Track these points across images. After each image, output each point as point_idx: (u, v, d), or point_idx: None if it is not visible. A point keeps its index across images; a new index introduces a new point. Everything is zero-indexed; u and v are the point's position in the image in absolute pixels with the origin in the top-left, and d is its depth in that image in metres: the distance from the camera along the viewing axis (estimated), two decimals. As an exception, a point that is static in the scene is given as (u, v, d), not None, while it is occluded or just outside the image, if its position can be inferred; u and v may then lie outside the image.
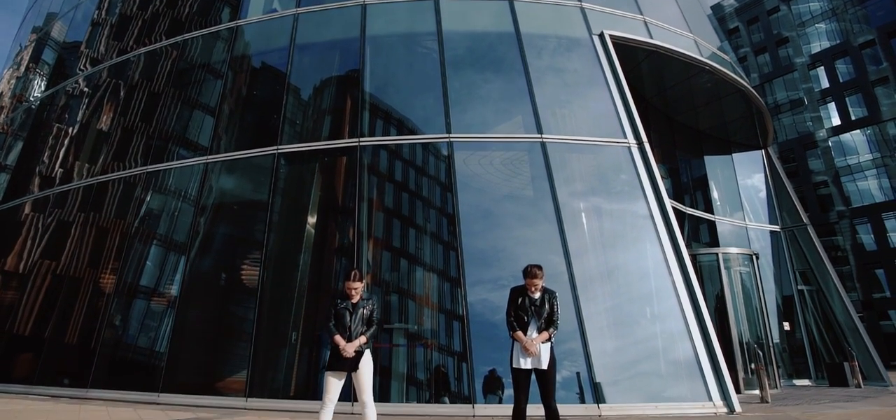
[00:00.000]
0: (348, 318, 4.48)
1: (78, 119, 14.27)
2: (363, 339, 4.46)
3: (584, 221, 8.92)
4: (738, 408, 6.93)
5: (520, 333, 4.27)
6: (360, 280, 4.65)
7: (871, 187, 36.95)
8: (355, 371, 4.38)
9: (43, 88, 16.77)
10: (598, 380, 7.07)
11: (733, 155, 16.10)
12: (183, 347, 9.25)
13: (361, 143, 9.56)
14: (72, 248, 11.61)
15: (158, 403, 8.34)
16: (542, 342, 4.22)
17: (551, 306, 4.35)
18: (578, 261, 8.19)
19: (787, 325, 13.30)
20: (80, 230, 11.73)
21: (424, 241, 9.08)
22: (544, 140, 9.24)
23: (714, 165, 15.65)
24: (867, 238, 36.64)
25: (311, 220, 9.76)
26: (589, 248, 8.62)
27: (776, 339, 12.80)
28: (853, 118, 37.41)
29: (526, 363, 4.21)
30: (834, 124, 38.45)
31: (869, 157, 36.92)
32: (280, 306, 9.01)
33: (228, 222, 10.33)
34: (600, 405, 6.84)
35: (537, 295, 4.40)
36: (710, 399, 7.08)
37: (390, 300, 8.71)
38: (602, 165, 9.54)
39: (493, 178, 9.32)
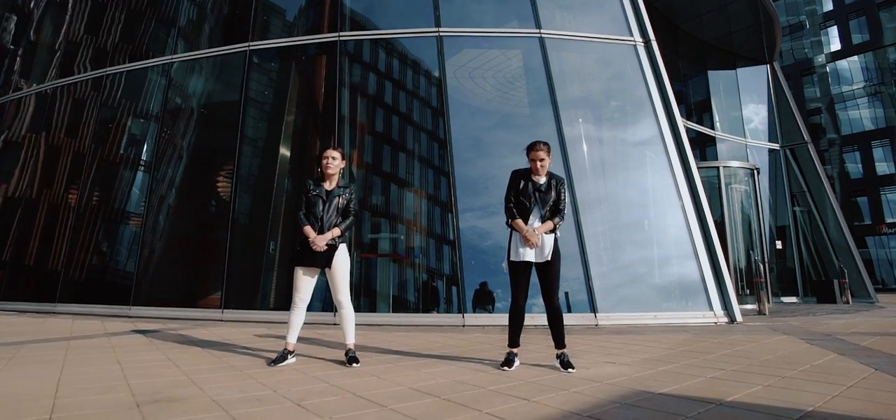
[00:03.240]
0: (321, 207, 3.85)
1: (25, 25, 12.92)
2: (336, 231, 3.84)
3: (585, 128, 8.26)
4: (739, 317, 6.64)
5: (519, 221, 3.65)
6: (342, 156, 4.01)
7: (862, 116, 36.66)
8: (328, 267, 3.81)
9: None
10: (596, 292, 6.69)
11: (737, 70, 15.35)
12: (153, 261, 8.69)
13: (342, 38, 8.63)
14: (27, 167, 10.75)
15: (129, 316, 7.86)
16: (546, 232, 3.64)
17: (558, 193, 3.73)
18: (578, 166, 7.62)
19: (779, 244, 13.13)
20: (41, 144, 10.80)
21: (411, 134, 8.39)
22: (543, 35, 8.40)
23: (717, 80, 14.92)
24: (853, 167, 36.73)
25: (288, 126, 8.97)
26: (589, 156, 8.02)
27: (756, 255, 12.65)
28: (855, 43, 36.44)
29: (526, 255, 3.61)
30: (833, 49, 37.49)
31: (862, 85, 36.37)
32: (256, 217, 8.40)
33: (197, 130, 9.48)
34: (598, 314, 6.49)
35: (542, 179, 3.71)
36: (711, 309, 6.77)
37: (376, 220, 8.14)
38: (605, 66, 8.77)
39: (488, 79, 8.51)
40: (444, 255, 7.55)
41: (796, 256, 13.54)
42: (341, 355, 3.91)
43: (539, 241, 3.59)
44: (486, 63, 8.56)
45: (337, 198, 3.91)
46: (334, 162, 3.95)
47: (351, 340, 3.84)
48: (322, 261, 3.79)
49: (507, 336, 3.71)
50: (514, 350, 3.64)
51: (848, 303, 11.28)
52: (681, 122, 7.97)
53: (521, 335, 3.74)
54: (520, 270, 3.65)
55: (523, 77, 8.64)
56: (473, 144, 8.02)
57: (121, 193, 9.52)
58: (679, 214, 7.37)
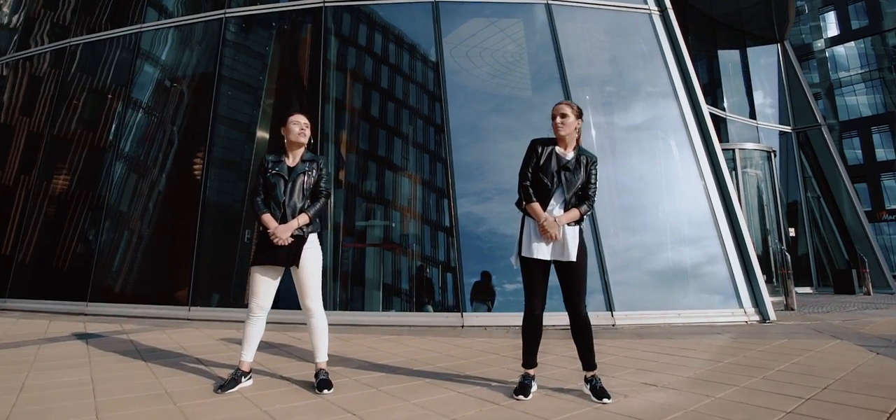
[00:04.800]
0: (282, 189, 3.01)
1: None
2: (304, 218, 3.00)
3: (594, 106, 7.42)
4: (773, 316, 5.89)
5: (537, 205, 2.80)
6: (308, 124, 3.16)
7: (859, 103, 36.19)
8: (295, 266, 2.99)
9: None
10: (612, 287, 5.91)
11: (748, 49, 14.55)
12: (114, 251, 7.81)
13: (327, 4, 7.72)
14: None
15: (85, 314, 6.99)
16: (570, 223, 2.77)
17: (588, 175, 2.88)
18: (588, 148, 6.78)
19: (792, 231, 12.43)
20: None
21: (406, 118, 7.53)
22: (550, 1, 7.52)
23: (726, 59, 14.13)
24: (851, 153, 36.24)
25: (266, 102, 8.08)
26: (599, 137, 7.20)
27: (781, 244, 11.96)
28: (853, 28, 35.82)
29: (540, 252, 2.76)
30: (831, 35, 36.89)
31: (859, 71, 35.89)
32: (229, 203, 7.54)
33: (165, 107, 8.54)
34: (614, 313, 5.72)
35: (570, 154, 2.86)
36: (741, 306, 6.01)
37: (365, 207, 7.30)
38: (617, 37, 7.92)
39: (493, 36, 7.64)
40: (440, 243, 6.75)
41: (810, 244, 12.86)
42: (311, 373, 3.09)
43: (559, 233, 2.74)
44: (487, 28, 7.69)
45: (302, 175, 3.06)
46: (307, 130, 3.11)
47: (323, 358, 3.04)
48: (286, 258, 2.96)
49: (512, 341, 2.90)
50: (531, 372, 2.83)
51: (868, 294, 10.61)
52: (703, 99, 7.17)
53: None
54: (535, 269, 2.79)
55: (527, 49, 7.78)
56: (470, 129, 7.16)
57: (80, 177, 8.59)
58: (703, 201, 6.59)
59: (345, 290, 6.82)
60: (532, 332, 2.82)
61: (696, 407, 2.53)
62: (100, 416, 2.37)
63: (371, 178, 7.49)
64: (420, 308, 6.44)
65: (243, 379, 2.96)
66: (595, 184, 2.91)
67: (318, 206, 3.08)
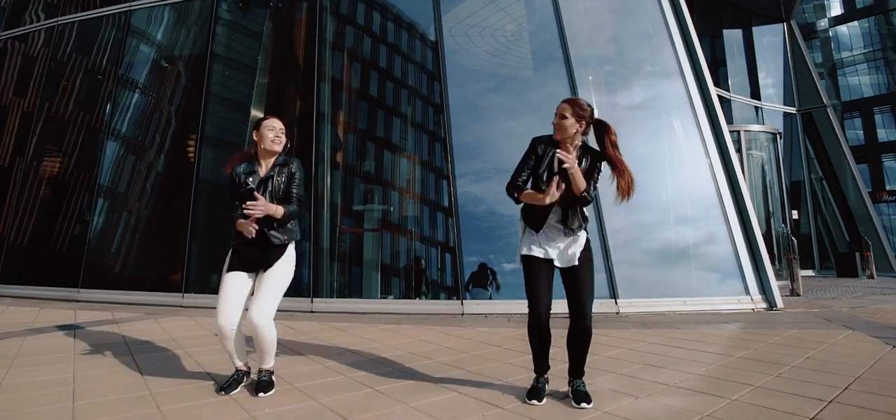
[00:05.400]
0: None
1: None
2: (279, 209, 2.68)
3: (597, 85, 7.19)
4: (780, 303, 5.75)
5: (530, 191, 2.59)
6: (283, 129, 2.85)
7: (861, 83, 35.82)
8: (265, 268, 2.73)
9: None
10: (616, 274, 5.76)
11: (753, 28, 14.20)
12: (107, 235, 7.64)
13: (322, -19, 7.42)
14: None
15: (77, 300, 6.85)
16: (574, 169, 2.49)
17: (591, 173, 2.63)
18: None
19: (795, 214, 12.27)
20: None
21: (404, 97, 7.31)
22: (554, -25, 7.24)
23: (731, 39, 13.80)
24: (852, 133, 35.94)
25: (261, 80, 7.84)
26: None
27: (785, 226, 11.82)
28: (858, 7, 35.26)
29: (541, 250, 2.57)
30: (835, 15, 36.34)
31: (862, 51, 35.42)
32: (223, 185, 7.33)
33: (156, 88, 8.29)
34: (619, 301, 5.57)
35: (572, 155, 2.51)
36: (748, 293, 5.87)
37: (362, 190, 7.12)
38: (620, 13, 7.65)
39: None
40: (439, 224, 6.58)
41: (813, 226, 12.71)
42: (306, 371, 2.93)
43: (574, 161, 2.47)
44: (487, 7, 7.41)
45: (273, 178, 2.76)
46: (282, 136, 2.82)
47: (268, 365, 2.78)
48: (257, 260, 2.73)
49: (513, 331, 2.76)
50: (543, 375, 2.67)
51: (872, 277, 10.50)
52: (709, 78, 6.94)
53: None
54: (537, 267, 2.58)
55: (527, 28, 7.51)
56: (469, 109, 6.93)
57: (73, 159, 8.37)
58: (709, 184, 6.40)
59: (342, 275, 6.67)
60: (539, 341, 2.61)
61: (712, 411, 2.38)
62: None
63: (369, 158, 7.29)
64: (419, 294, 6.30)
65: (245, 378, 2.80)
66: (596, 184, 2.69)
67: (290, 209, 2.75)
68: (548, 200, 2.45)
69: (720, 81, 12.97)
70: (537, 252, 2.59)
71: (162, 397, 2.62)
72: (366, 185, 7.16)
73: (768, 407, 2.43)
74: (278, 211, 2.69)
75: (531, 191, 2.61)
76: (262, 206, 2.61)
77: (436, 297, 6.29)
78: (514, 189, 2.64)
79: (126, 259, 7.48)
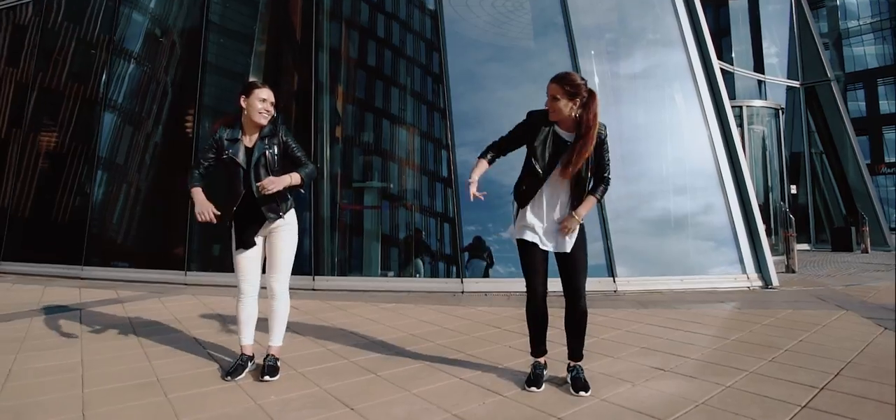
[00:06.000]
0: (242, 176, 2.73)
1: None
2: (296, 177, 2.71)
3: (597, 56, 7.09)
4: (775, 281, 5.83)
5: (482, 163, 2.70)
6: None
7: (866, 53, 35.29)
8: (268, 233, 2.80)
9: None
10: (615, 252, 5.81)
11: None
12: (108, 211, 7.66)
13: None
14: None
15: (80, 278, 6.91)
16: (581, 214, 2.53)
17: (599, 154, 2.52)
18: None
19: (793, 188, 12.29)
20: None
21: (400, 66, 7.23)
22: (556, -53, 7.06)
23: (737, 7, 13.57)
24: (854, 105, 35.63)
25: (258, 48, 7.71)
26: (602, 91, 6.91)
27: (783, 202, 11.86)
28: (870, -27, 34.48)
29: (534, 235, 2.55)
30: (845, -20, 35.52)
31: (869, 20, 34.77)
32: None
33: (152, 61, 8.18)
34: (617, 279, 5.64)
35: (573, 136, 2.48)
36: (744, 271, 5.94)
37: (362, 164, 7.10)
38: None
39: None
40: (438, 194, 6.60)
41: (810, 200, 12.75)
42: (311, 354, 2.99)
43: (575, 227, 2.54)
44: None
45: (264, 152, 2.73)
46: (271, 109, 2.78)
47: (276, 342, 2.84)
48: (263, 212, 2.74)
49: (513, 310, 2.78)
50: (541, 360, 2.72)
51: (866, 251, 10.60)
52: (712, 48, 6.84)
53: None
54: (531, 251, 2.57)
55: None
56: (469, 78, 6.86)
57: (70, 130, 8.32)
58: (709, 161, 6.40)
59: (343, 249, 6.72)
60: (537, 321, 2.66)
61: (707, 398, 2.45)
62: (86, 413, 2.27)
63: (368, 128, 7.26)
64: (418, 271, 6.36)
65: (249, 363, 2.85)
66: (608, 162, 2.61)
67: (307, 169, 2.79)
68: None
69: (723, 52, 12.81)
70: (530, 237, 2.57)
71: (169, 383, 2.68)
72: (365, 155, 7.14)
73: (762, 394, 2.49)
74: (296, 179, 2.72)
75: (478, 168, 2.69)
76: (280, 182, 2.64)
77: (435, 271, 6.36)
78: (485, 150, 2.72)
79: (128, 233, 7.52)
